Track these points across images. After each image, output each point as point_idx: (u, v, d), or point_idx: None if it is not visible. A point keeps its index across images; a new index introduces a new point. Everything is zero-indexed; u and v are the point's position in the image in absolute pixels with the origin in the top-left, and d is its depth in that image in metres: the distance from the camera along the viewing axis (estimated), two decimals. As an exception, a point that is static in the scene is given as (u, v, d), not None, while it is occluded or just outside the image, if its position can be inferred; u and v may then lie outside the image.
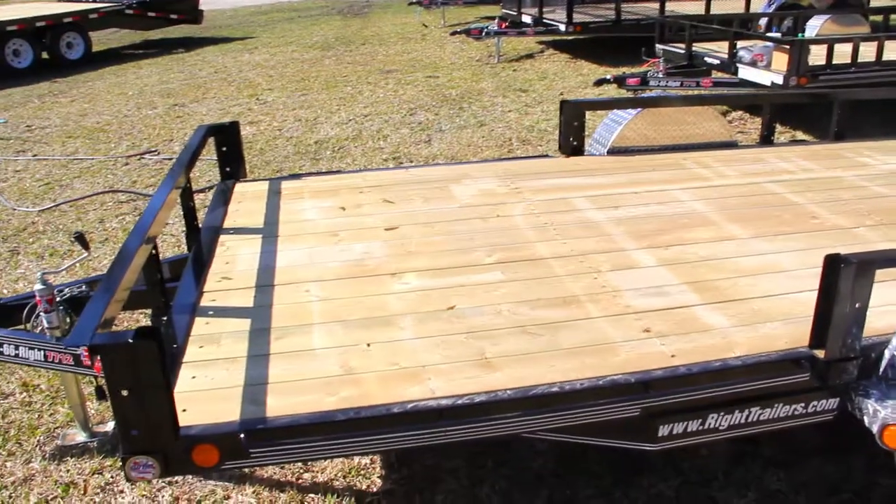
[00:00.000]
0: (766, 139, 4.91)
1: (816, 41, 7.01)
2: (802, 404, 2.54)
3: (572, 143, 4.62)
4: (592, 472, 3.09)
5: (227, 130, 4.19)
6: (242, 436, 2.15)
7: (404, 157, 7.35)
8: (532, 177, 4.21)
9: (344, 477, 3.18)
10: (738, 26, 9.08)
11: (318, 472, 3.20)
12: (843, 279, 2.31)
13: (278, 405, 2.25)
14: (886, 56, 7.10)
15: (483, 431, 2.30)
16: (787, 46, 6.79)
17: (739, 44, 7.47)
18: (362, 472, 3.20)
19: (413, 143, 7.77)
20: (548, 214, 3.68)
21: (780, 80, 6.82)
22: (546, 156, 4.76)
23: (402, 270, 3.13)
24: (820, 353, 2.43)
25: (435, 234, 3.48)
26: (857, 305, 2.36)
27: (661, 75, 7.62)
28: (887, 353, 2.50)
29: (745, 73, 7.30)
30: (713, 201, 3.83)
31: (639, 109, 4.69)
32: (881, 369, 2.51)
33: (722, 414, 2.50)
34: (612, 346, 2.54)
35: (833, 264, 2.32)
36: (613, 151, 4.66)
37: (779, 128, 7.63)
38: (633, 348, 2.53)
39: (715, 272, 3.06)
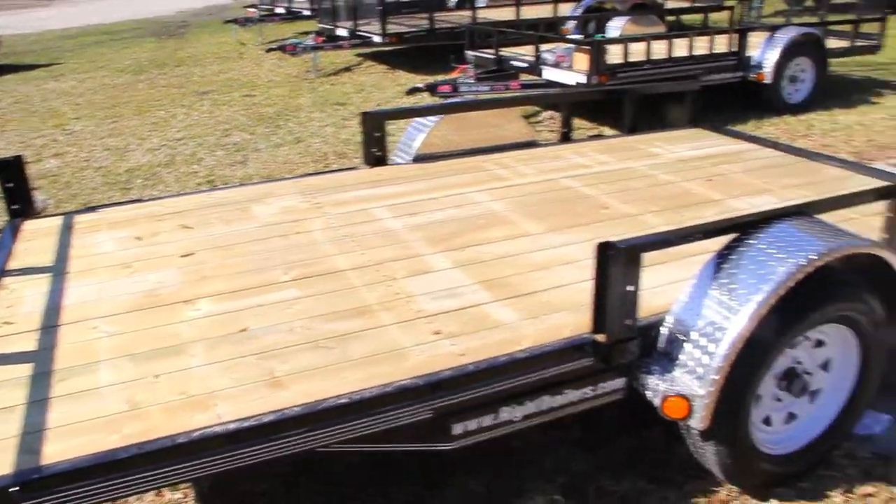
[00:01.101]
0: (565, 136, 5.10)
1: (612, 41, 7.39)
2: (591, 387, 2.65)
3: (375, 153, 4.63)
4: (406, 479, 3.09)
5: (11, 166, 3.92)
6: (15, 489, 2.01)
7: (219, 179, 7.16)
8: (334, 190, 4.19)
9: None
10: (545, 30, 9.44)
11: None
12: (613, 265, 2.43)
13: (57, 451, 2.12)
14: (676, 53, 7.58)
15: (275, 451, 2.26)
16: (587, 47, 7.11)
17: (543, 47, 7.75)
18: (172, 508, 3.07)
19: (228, 165, 7.58)
20: (347, 227, 3.67)
21: (582, 79, 7.14)
22: (351, 168, 4.74)
23: (196, 297, 3.03)
24: (601, 338, 2.54)
25: (232, 257, 3.39)
26: (629, 288, 2.47)
27: (471, 81, 7.80)
28: (664, 330, 2.64)
29: (550, 74, 7.59)
30: (511, 200, 3.94)
31: (441, 116, 4.76)
32: (660, 345, 2.65)
33: (514, 406, 2.56)
34: (402, 352, 2.55)
35: (603, 251, 2.43)
36: (418, 159, 4.71)
37: (587, 124, 8.00)
38: (423, 352, 2.55)
39: (508, 269, 3.14)
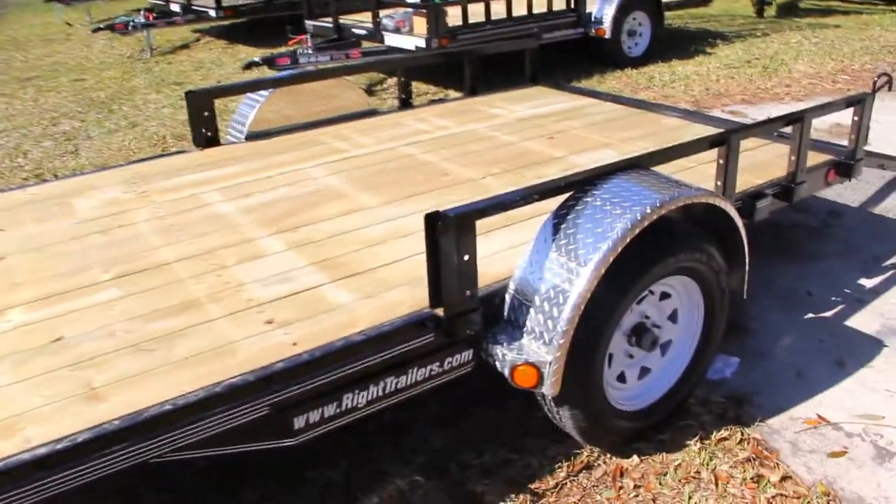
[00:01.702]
0: (405, 102, 4.95)
1: (450, 3, 7.25)
2: (437, 363, 2.52)
3: (206, 134, 4.34)
4: (259, 478, 2.90)
5: None
6: None
7: (48, 172, 6.62)
8: (162, 177, 3.89)
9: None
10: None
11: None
12: (444, 236, 2.30)
13: None
14: (517, 12, 7.54)
15: (99, 470, 2.02)
16: (425, 11, 6.95)
17: (383, 12, 7.55)
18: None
19: (58, 156, 7.03)
20: (175, 216, 3.40)
21: (422, 43, 6.99)
22: (181, 152, 4.43)
23: (5, 307, 2.71)
24: (440, 312, 2.42)
25: (47, 259, 3.07)
26: (465, 258, 2.35)
27: (310, 51, 7.51)
28: (507, 298, 2.54)
29: (391, 39, 7.41)
30: (347, 174, 3.77)
31: (272, 90, 4.51)
32: (505, 313, 2.55)
33: (357, 391, 2.40)
34: (232, 347, 2.36)
35: (432, 222, 2.30)
36: (251, 136, 4.45)
37: (432, 88, 7.88)
38: (254, 344, 2.36)
39: (342, 247, 2.98)
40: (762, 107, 6.82)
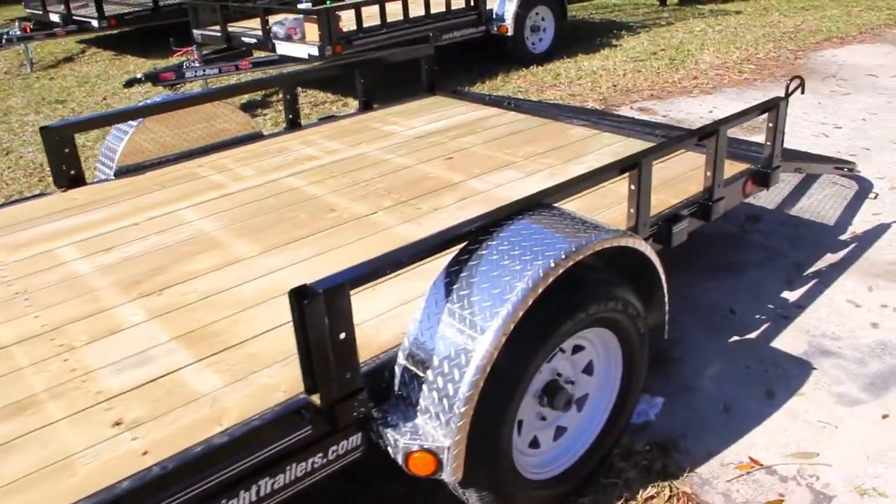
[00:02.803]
0: (293, 123, 4.55)
1: (342, 7, 6.85)
2: (320, 455, 2.16)
3: (68, 173, 3.86)
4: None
5: None
6: None
7: None
8: (11, 229, 3.41)
9: None
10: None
11: None
12: (312, 314, 1.93)
13: None
14: (413, 13, 7.17)
15: None
16: (315, 16, 6.54)
17: (272, 19, 7.10)
18: None
19: (-86, 194, 6.38)
20: (21, 280, 2.94)
21: (315, 51, 6.57)
22: (40, 195, 3.95)
23: None
24: (317, 400, 2.05)
25: None
26: (341, 336, 2.00)
27: (197, 64, 7.01)
28: (398, 370, 2.20)
29: (283, 48, 6.97)
30: (225, 215, 3.36)
31: (141, 119, 4.06)
32: (396, 389, 2.21)
33: (226, 502, 2.02)
34: (71, 461, 1.95)
35: (297, 299, 1.93)
36: (121, 172, 4.00)
37: (330, 97, 7.47)
38: (97, 455, 1.96)
39: (212, 313, 2.59)
40: (672, 101, 6.63)
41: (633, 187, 2.72)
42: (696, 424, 2.90)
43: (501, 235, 2.24)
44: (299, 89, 7.83)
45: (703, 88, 6.90)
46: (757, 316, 3.52)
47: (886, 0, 10.49)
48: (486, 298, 2.08)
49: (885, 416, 2.88)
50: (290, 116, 4.55)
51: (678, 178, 3.39)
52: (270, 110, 7.31)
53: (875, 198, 4.62)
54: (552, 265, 2.11)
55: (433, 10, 7.24)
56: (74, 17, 10.16)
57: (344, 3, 7.04)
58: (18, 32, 10.12)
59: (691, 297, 3.68)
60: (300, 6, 6.95)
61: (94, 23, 9.87)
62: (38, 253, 3.17)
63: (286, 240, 3.07)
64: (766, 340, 3.34)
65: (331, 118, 4.78)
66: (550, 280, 2.10)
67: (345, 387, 2.06)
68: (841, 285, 3.72)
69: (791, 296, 3.65)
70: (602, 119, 4.49)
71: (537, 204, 2.43)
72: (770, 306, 3.58)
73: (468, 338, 2.05)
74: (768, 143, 3.47)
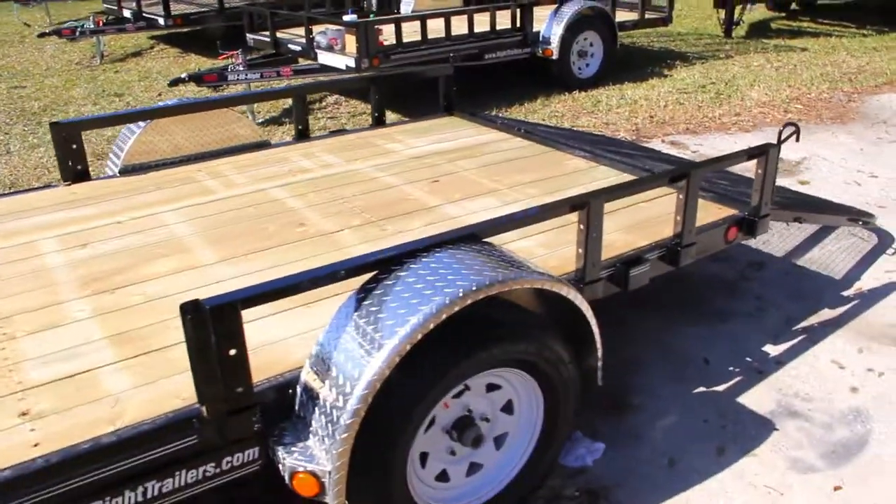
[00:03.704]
0: (302, 134, 4.60)
1: (383, 21, 6.91)
2: (213, 464, 2.18)
3: (74, 168, 3.99)
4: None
5: None
6: None
7: (-50, 191, 6.27)
8: (11, 217, 3.54)
9: None
10: (332, 7, 8.91)
11: None
12: (200, 329, 1.96)
13: None
14: (457, 31, 7.18)
15: None
16: (354, 29, 6.62)
17: (316, 29, 7.21)
18: None
19: (-32, 174, 6.68)
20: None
21: (352, 62, 6.64)
22: (47, 186, 4.09)
23: None
24: (206, 411, 2.08)
25: None
26: (231, 352, 2.02)
27: (241, 68, 7.17)
28: (299, 390, 2.21)
29: (324, 58, 7.07)
30: (201, 221, 3.42)
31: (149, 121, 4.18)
32: (296, 408, 2.22)
33: (110, 499, 2.05)
34: (-29, 447, 2.01)
35: (185, 314, 1.96)
36: (126, 170, 4.11)
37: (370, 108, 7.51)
38: (-2, 442, 2.02)
39: (152, 316, 2.64)
40: (706, 137, 6.48)
41: (581, 227, 2.66)
42: (634, 476, 2.81)
43: (410, 267, 2.22)
44: (342, 99, 7.95)
45: (743, 126, 6.72)
46: (730, 368, 3.39)
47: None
48: (378, 329, 2.08)
49: (836, 488, 2.74)
50: (300, 128, 4.60)
51: (656, 220, 3.29)
52: (311, 118, 7.41)
53: (893, 254, 4.42)
54: (447, 303, 2.08)
55: (477, 29, 7.23)
56: (144, 14, 10.51)
57: (386, 17, 7.10)
58: (92, 26, 10.53)
59: (666, 341, 3.58)
60: (345, 18, 7.03)
61: (161, 21, 10.19)
62: (21, 243, 3.28)
63: (248, 250, 3.11)
64: (733, 395, 3.22)
65: (341, 132, 4.81)
66: (442, 317, 2.07)
67: (236, 401, 2.07)
68: (829, 344, 3.56)
69: (772, 350, 3.51)
70: (613, 151, 4.42)
71: (471, 236, 2.40)
72: (747, 359, 3.45)
73: (358, 364, 2.04)
74: (756, 191, 3.35)
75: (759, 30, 11.65)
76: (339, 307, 2.22)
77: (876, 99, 7.63)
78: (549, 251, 3.00)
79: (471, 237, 2.40)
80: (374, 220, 3.35)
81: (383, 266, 2.24)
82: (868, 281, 4.12)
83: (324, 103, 7.80)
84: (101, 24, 10.68)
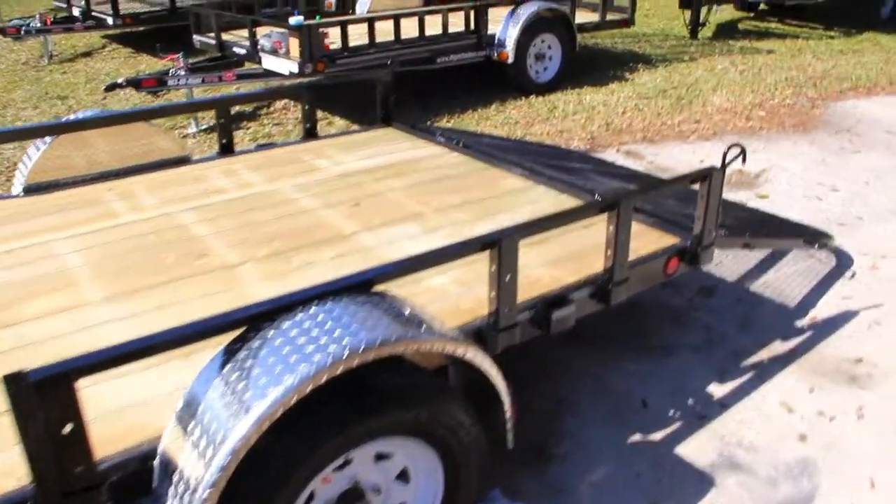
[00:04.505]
0: (225, 148, 4.29)
1: (327, 23, 6.60)
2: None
3: (-31, 185, 3.67)
4: None
5: None
6: None
7: None
8: None
9: None
10: (284, 8, 8.59)
11: None
12: (25, 403, 1.67)
13: None
14: (406, 34, 6.89)
15: None
16: (297, 32, 6.31)
17: (261, 31, 6.88)
18: None
19: None
20: None
21: (295, 67, 6.33)
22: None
23: None
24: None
25: None
26: (67, 428, 1.73)
27: (182, 73, 6.83)
28: (158, 460, 1.93)
29: (268, 62, 6.75)
30: (97, 250, 3.12)
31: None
32: (155, 482, 1.93)
33: None
34: None
35: (8, 386, 1.66)
36: (31, 189, 3.80)
37: (320, 114, 7.20)
38: None
39: (15, 366, 2.32)
40: (663, 146, 6.23)
41: (493, 268, 2.39)
42: (557, 539, 2.55)
43: (300, 315, 1.95)
44: (291, 104, 7.62)
45: (702, 134, 6.48)
46: (671, 412, 3.14)
47: (935, 49, 9.91)
48: (241, 396, 1.79)
49: (777, 552, 2.50)
50: (224, 141, 4.30)
51: (591, 249, 3.01)
52: (255, 124, 7.10)
53: (851, 277, 4.19)
54: (328, 363, 1.80)
55: (429, 32, 6.94)
56: (93, 13, 10.12)
57: (331, 20, 6.79)
58: (38, 24, 10.12)
59: (603, 379, 3.32)
60: (290, 20, 6.70)
61: (110, 20, 9.81)
62: None
63: (140, 286, 2.82)
64: (672, 444, 2.96)
65: (269, 145, 4.51)
66: (324, 380, 1.80)
67: (74, 482, 1.79)
68: (779, 383, 3.31)
69: (718, 391, 3.26)
70: (556, 166, 4.16)
71: (362, 284, 2.12)
72: (690, 401, 3.19)
73: (213, 439, 1.76)
74: (699, 218, 3.09)
75: (727, 30, 11.43)
76: (211, 359, 1.94)
77: (840, 105, 7.42)
78: (464, 289, 2.73)
79: (362, 285, 2.12)
80: (282, 251, 3.06)
81: (253, 323, 1.96)
82: (823, 308, 3.88)
83: (271, 108, 7.47)
84: (49, 22, 10.27)
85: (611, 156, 5.92)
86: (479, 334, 2.49)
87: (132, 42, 11.24)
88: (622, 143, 6.23)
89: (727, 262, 4.31)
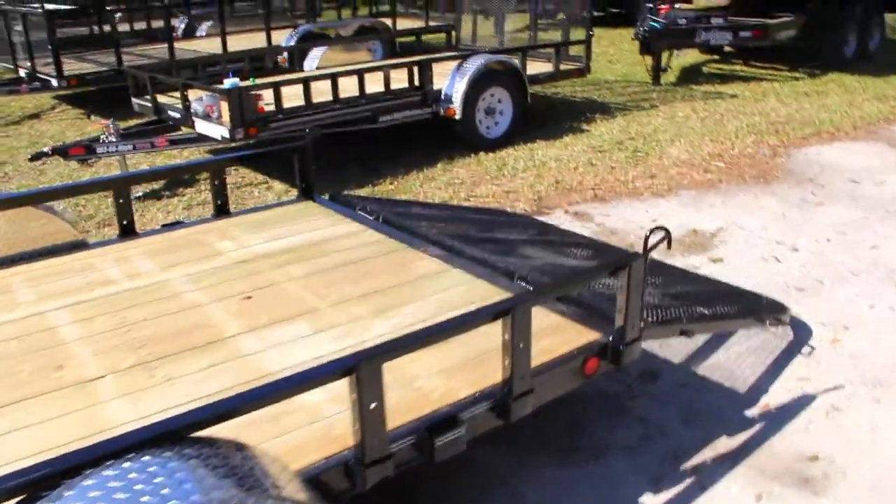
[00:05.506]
0: (126, 230, 3.94)
1: (257, 86, 6.31)
2: None
3: None
4: None
5: None
6: None
7: None
8: None
9: None
10: (250, 64, 8.31)
11: None
12: None
13: None
14: (347, 93, 6.60)
15: None
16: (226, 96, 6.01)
17: (193, 95, 6.57)
18: None
19: None
20: None
21: (226, 133, 6.02)
22: None
23: None
24: None
25: None
26: None
27: (112, 139, 6.51)
28: None
29: (201, 126, 6.44)
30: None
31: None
32: None
33: None
34: None
35: None
36: None
37: (259, 177, 6.87)
38: None
39: None
40: (615, 204, 5.91)
41: (353, 396, 2.03)
42: None
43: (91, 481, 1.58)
44: (232, 168, 7.29)
45: (657, 190, 6.17)
46: (594, 532, 2.77)
47: (896, 89, 9.72)
48: None
49: None
50: (124, 223, 3.95)
51: (496, 352, 2.65)
52: (192, 190, 6.76)
53: (809, 354, 3.85)
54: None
55: (369, 90, 6.65)
56: (39, 75, 9.84)
57: (263, 82, 6.50)
58: (-21, 88, 9.82)
59: (519, 492, 2.94)
60: (225, 82, 6.41)
61: (54, 82, 9.52)
62: None
63: (-17, 406, 2.45)
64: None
65: (176, 224, 4.18)
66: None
67: None
68: (723, 490, 2.94)
69: (650, 503, 2.89)
70: (486, 239, 3.83)
71: (168, 434, 1.76)
72: (617, 516, 2.83)
73: None
74: (620, 311, 2.75)
75: (691, 74, 11.23)
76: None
77: (803, 153, 7.15)
78: (340, 409, 2.35)
79: (171, 434, 1.76)
80: (149, 360, 2.70)
81: (31, 489, 1.60)
82: (777, 394, 3.53)
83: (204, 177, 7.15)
84: (-9, 85, 9.98)
85: (557, 218, 5.59)
86: (346, 469, 2.14)
87: (84, 102, 10.95)
88: (571, 203, 5.91)
89: (674, 341, 3.96)
